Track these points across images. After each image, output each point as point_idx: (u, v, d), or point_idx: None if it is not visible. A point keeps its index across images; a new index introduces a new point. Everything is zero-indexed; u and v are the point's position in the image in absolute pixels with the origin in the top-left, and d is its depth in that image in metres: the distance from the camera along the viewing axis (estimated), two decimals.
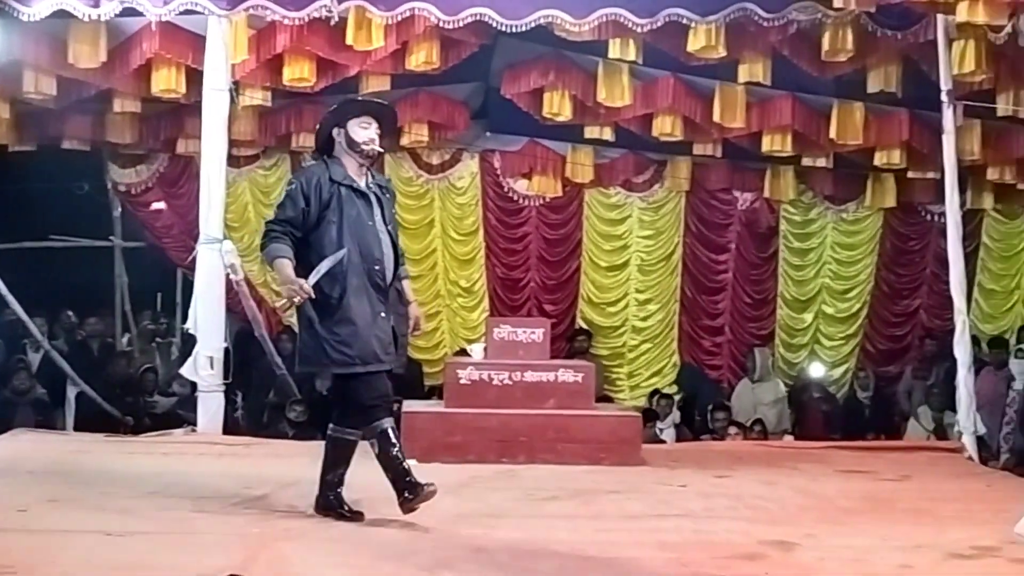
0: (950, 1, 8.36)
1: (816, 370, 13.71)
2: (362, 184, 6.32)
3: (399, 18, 9.67)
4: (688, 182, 13.51)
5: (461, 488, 7.27)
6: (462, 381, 8.92)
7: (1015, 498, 7.54)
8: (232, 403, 11.07)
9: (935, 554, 5.83)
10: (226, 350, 10.06)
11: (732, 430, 11.54)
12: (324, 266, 6.09)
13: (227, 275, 9.99)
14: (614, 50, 10.28)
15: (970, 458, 9.47)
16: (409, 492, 6.17)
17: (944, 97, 9.60)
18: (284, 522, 6.24)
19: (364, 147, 6.31)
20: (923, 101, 10.61)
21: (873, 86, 10.60)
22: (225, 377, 10.01)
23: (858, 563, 5.66)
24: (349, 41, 9.92)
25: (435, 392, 11.35)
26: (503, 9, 9.60)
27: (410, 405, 9.27)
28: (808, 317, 14.05)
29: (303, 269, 6.10)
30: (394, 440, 6.26)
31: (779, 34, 9.96)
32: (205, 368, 9.83)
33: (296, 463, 8.06)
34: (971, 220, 13.09)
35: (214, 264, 9.80)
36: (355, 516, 6.27)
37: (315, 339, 6.17)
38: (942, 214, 11.07)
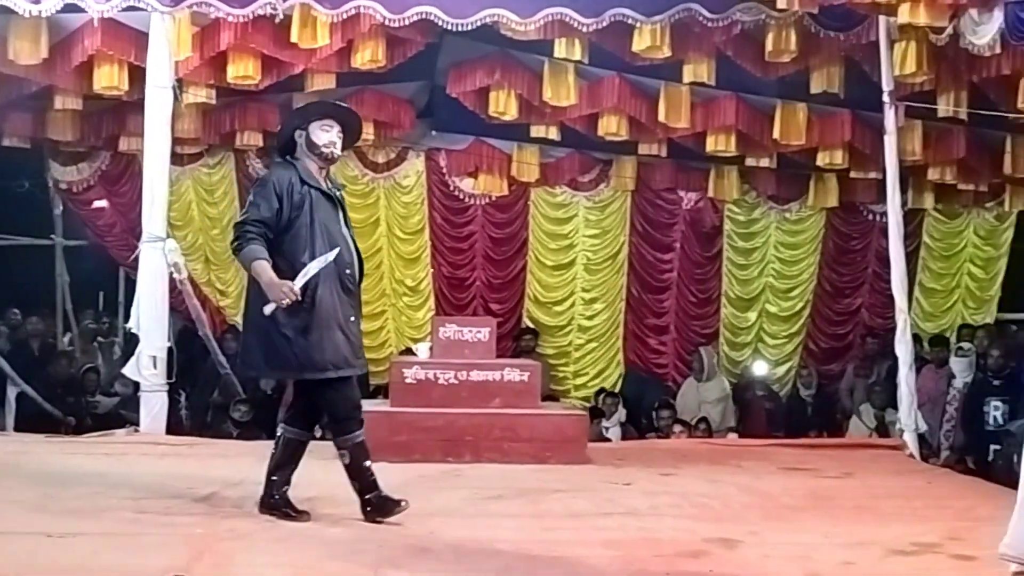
0: (892, 3, 8.44)
1: (760, 368, 13.81)
2: (325, 187, 6.29)
3: (344, 16, 9.64)
4: (633, 181, 13.56)
5: (406, 487, 7.22)
6: (408, 380, 8.91)
7: (955, 495, 7.65)
8: (175, 403, 10.97)
9: (877, 550, 5.89)
10: (169, 349, 9.99)
11: (677, 428, 11.60)
12: (312, 268, 6.03)
13: (170, 274, 9.93)
14: (560, 49, 10.31)
15: (911, 455, 9.59)
16: (377, 507, 6.20)
17: (886, 98, 9.71)
18: (229, 522, 6.19)
19: (324, 150, 6.27)
20: (865, 102, 10.72)
21: (816, 87, 10.69)
22: (168, 377, 9.94)
23: (801, 560, 5.70)
24: (294, 39, 9.87)
25: (380, 391, 11.32)
26: (449, 8, 9.60)
27: None
28: (752, 316, 14.14)
29: (278, 271, 6.05)
30: (367, 451, 6.27)
31: (723, 35, 10.03)
32: (148, 368, 9.76)
33: (241, 463, 8.02)
34: (912, 220, 13.27)
35: (157, 263, 9.73)
36: (300, 516, 6.25)
37: (285, 344, 6.09)
38: (884, 214, 11.22)
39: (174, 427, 10.31)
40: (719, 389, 13.11)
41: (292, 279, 6.00)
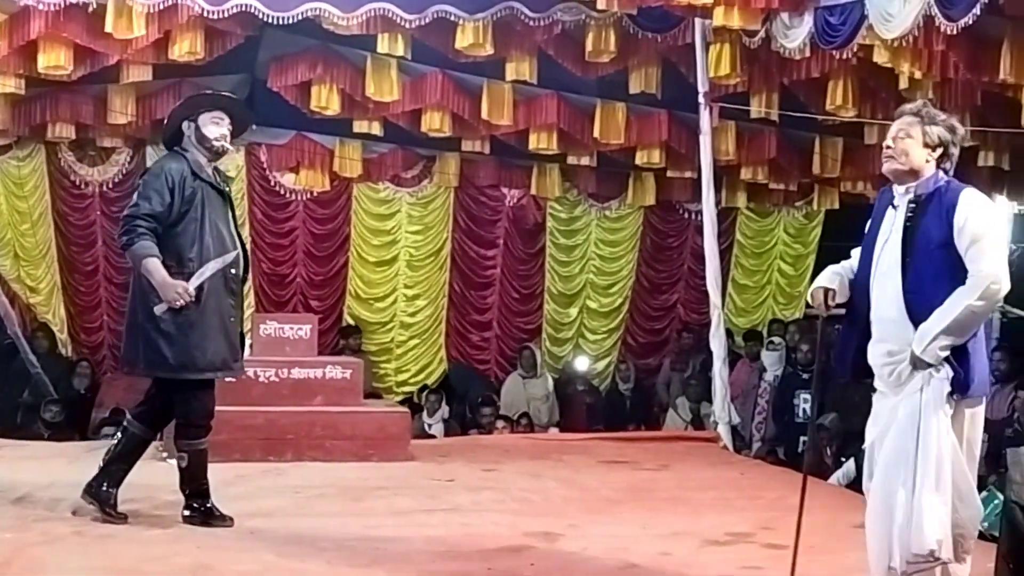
0: (707, 5, 8.64)
1: (581, 363, 14.01)
2: (215, 181, 6.14)
3: (161, 6, 9.39)
4: (457, 178, 13.59)
5: (227, 487, 7.12)
6: (227, 379, 8.73)
7: (767, 486, 7.90)
8: None
9: (693, 541, 6.06)
10: None
11: (499, 424, 11.69)
12: (208, 269, 5.88)
13: None
14: (383, 45, 10.25)
15: (725, 447, 9.85)
16: (200, 517, 6.09)
17: (701, 99, 9.93)
18: (40, 526, 6.00)
19: (215, 143, 6.12)
20: (681, 102, 10.94)
21: (634, 87, 10.87)
22: None
23: (620, 551, 5.82)
24: (108, 29, 9.56)
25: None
26: (269, 1, 9.46)
27: None
28: (573, 312, 14.34)
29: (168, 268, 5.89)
30: (206, 461, 6.17)
31: (545, 34, 10.12)
32: None
33: (53, 465, 7.79)
34: (726, 218, 13.65)
35: None
36: (118, 518, 6.08)
37: (165, 342, 5.93)
38: (699, 212, 11.50)
39: None
40: (545, 386, 13.26)
41: (180, 275, 5.86)
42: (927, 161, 4.69)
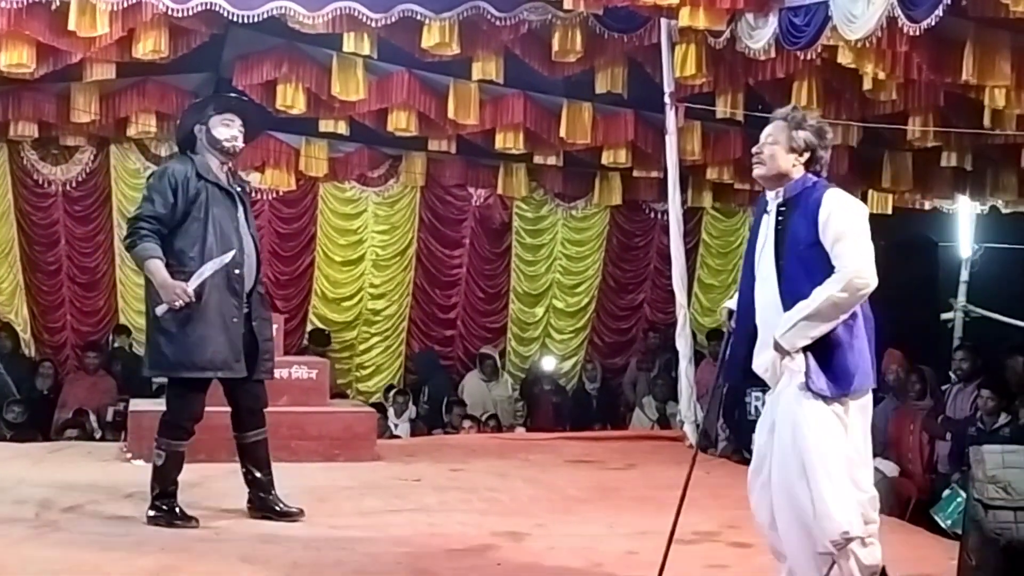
0: (672, 6, 8.65)
1: (548, 363, 14.03)
2: (225, 183, 6.13)
3: (125, 4, 9.31)
4: (423, 177, 13.58)
5: (192, 488, 7.08)
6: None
7: (732, 484, 7.89)
8: None
9: (659, 540, 6.03)
10: None
11: (466, 423, 11.69)
12: (207, 269, 5.88)
13: None
14: (349, 44, 10.21)
15: (691, 446, 9.88)
16: (165, 514, 6.08)
17: (667, 99, 9.96)
18: (2, 527, 5.95)
19: (226, 144, 6.14)
20: (647, 102, 10.96)
21: (600, 87, 10.88)
22: None
23: (586, 551, 5.83)
24: (72, 27, 9.48)
25: (164, 390, 11.03)
26: None
27: (137, 404, 9.00)
28: (539, 311, 14.36)
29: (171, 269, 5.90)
30: (181, 464, 6.18)
31: (511, 33, 10.11)
32: None
33: (15, 465, 7.72)
34: (691, 218, 13.70)
35: None
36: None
37: (166, 340, 5.97)
38: (665, 212, 11.52)
39: None
40: (507, 388, 13.29)
41: (183, 275, 5.87)
42: (794, 165, 4.74)
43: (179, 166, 6.12)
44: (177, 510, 6.14)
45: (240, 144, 6.26)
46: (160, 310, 5.91)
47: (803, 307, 4.52)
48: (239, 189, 6.30)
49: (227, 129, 6.17)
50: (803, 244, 4.61)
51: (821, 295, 4.49)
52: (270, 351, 6.42)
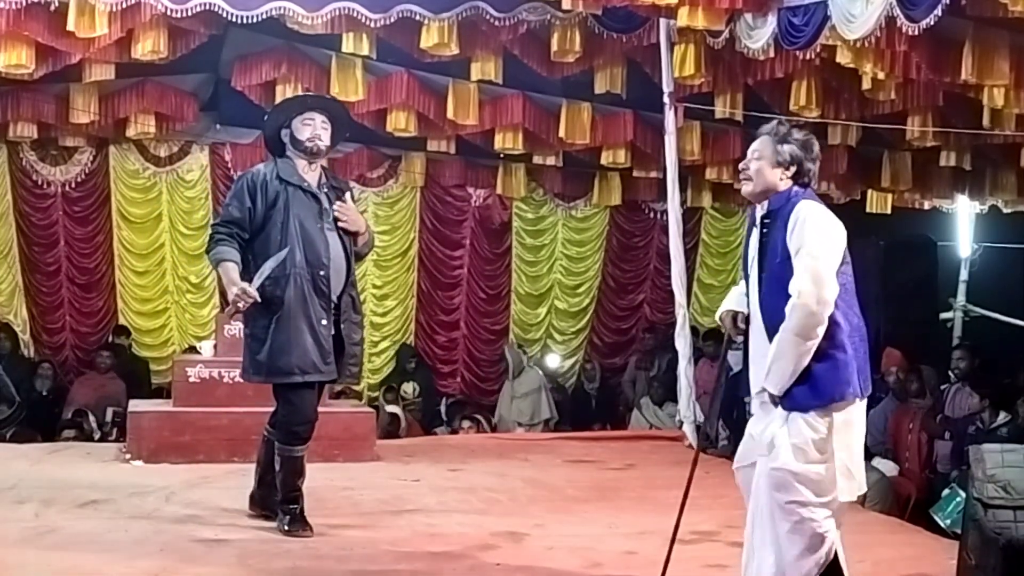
0: (671, 6, 8.65)
1: (552, 361, 14.06)
2: (313, 185, 6.07)
3: (124, 5, 9.31)
4: (423, 178, 13.59)
5: (191, 489, 7.11)
6: (191, 379, 8.69)
7: (731, 484, 7.88)
8: None
9: (658, 540, 6.05)
10: None
11: (466, 424, 11.69)
12: (267, 268, 5.84)
13: None
14: (347, 44, 10.20)
15: (690, 446, 9.88)
16: (291, 524, 6.03)
17: (666, 99, 9.95)
18: (2, 527, 5.94)
19: (308, 144, 6.09)
20: (647, 102, 10.95)
21: (600, 87, 10.87)
22: None
23: (585, 551, 5.83)
24: (71, 27, 9.47)
25: (163, 391, 11.05)
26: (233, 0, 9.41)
27: (136, 405, 9.01)
28: (541, 312, 14.38)
29: (248, 272, 5.87)
30: (301, 469, 6.09)
31: (510, 33, 10.10)
32: None
33: (14, 466, 7.73)
34: (691, 218, 13.71)
35: None
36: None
37: (257, 346, 5.94)
38: (664, 212, 11.52)
39: None
40: (530, 382, 13.23)
41: (268, 279, 5.85)
42: (780, 179, 4.73)
43: (259, 169, 6.11)
44: (300, 524, 6.06)
45: (323, 143, 6.16)
46: (228, 312, 5.97)
47: (771, 350, 4.54)
48: (330, 191, 6.19)
49: (308, 128, 6.11)
50: (779, 257, 4.59)
51: (780, 333, 4.49)
52: (356, 355, 6.29)
